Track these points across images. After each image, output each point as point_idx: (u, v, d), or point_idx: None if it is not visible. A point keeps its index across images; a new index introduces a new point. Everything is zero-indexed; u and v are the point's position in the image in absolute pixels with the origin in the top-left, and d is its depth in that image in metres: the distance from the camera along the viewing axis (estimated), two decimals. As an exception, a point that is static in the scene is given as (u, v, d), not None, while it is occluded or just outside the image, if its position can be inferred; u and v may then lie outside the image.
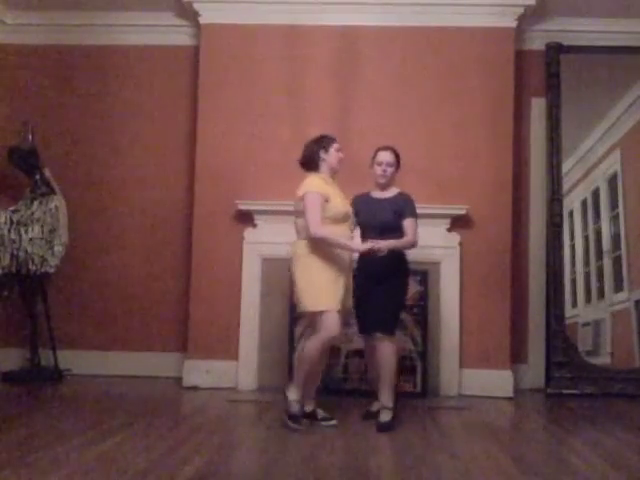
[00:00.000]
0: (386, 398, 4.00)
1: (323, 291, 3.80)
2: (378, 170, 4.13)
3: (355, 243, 4.02)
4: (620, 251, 5.43)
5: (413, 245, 4.10)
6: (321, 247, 3.83)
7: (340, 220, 3.90)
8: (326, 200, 3.84)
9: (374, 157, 4.17)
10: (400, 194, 4.17)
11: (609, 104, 5.54)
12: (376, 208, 4.12)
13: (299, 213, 3.92)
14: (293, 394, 3.91)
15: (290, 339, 5.05)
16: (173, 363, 5.46)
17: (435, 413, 4.48)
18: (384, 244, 3.89)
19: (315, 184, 3.89)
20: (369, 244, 3.88)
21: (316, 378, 4.02)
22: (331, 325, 3.77)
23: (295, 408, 3.88)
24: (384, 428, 3.84)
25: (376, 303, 4.02)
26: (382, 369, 4.03)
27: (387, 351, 4.00)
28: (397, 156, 4.17)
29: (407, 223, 4.07)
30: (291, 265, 3.95)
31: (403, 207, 4.09)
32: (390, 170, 4.12)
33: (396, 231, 4.04)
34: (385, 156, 4.13)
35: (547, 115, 5.51)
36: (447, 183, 5.26)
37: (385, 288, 4.04)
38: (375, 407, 4.11)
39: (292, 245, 3.98)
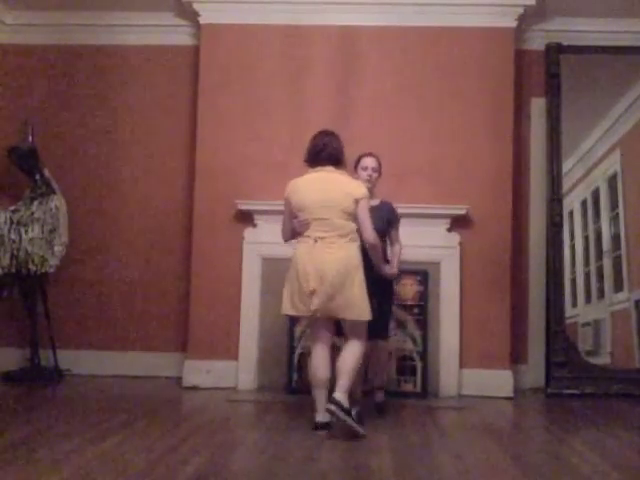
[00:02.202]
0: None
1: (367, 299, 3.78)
2: (364, 175, 4.22)
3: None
4: (620, 251, 5.43)
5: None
6: (361, 255, 3.78)
7: None
8: None
9: (358, 163, 4.27)
10: (384, 203, 4.31)
11: (609, 104, 5.54)
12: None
13: (347, 214, 3.75)
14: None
15: (290, 339, 5.05)
16: (173, 363, 5.46)
17: (435, 413, 4.48)
18: (395, 268, 4.23)
19: (366, 189, 3.86)
20: (393, 270, 4.18)
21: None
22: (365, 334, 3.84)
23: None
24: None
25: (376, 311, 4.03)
26: (376, 371, 4.43)
27: (384, 354, 4.44)
28: (379, 163, 4.30)
29: (395, 233, 4.32)
30: (339, 266, 3.66)
31: (391, 216, 4.29)
32: (375, 175, 4.25)
33: (384, 238, 4.24)
34: (370, 162, 4.25)
35: (547, 115, 5.51)
36: (447, 183, 5.26)
37: (377, 295, 4.02)
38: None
39: (336, 247, 3.70)
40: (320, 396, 3.76)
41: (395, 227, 4.32)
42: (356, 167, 4.26)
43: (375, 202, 4.21)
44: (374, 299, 3.86)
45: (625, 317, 5.40)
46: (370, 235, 3.74)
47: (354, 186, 3.79)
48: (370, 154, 4.28)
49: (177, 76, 5.73)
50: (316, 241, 3.71)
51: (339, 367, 3.71)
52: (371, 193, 4.10)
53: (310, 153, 3.86)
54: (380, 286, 4.08)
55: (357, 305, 3.70)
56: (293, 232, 3.87)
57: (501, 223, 5.24)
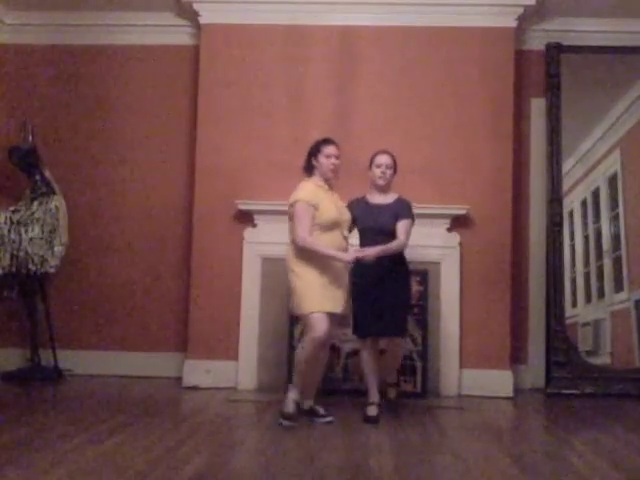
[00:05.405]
0: (375, 393, 4.21)
1: (308, 294, 3.92)
2: (377, 172, 4.23)
3: (340, 253, 3.97)
4: (620, 251, 5.43)
5: (403, 247, 4.15)
6: (308, 252, 3.95)
7: (329, 227, 3.98)
8: (315, 208, 3.94)
9: (372, 161, 4.28)
10: (399, 200, 4.27)
11: (609, 104, 5.54)
12: (377, 213, 4.18)
13: (291, 218, 4.05)
14: (292, 393, 4.02)
15: (290, 339, 5.05)
16: (173, 363, 5.46)
17: (435, 413, 4.48)
18: (370, 252, 3.97)
19: (306, 191, 4.00)
20: (353, 253, 3.98)
21: (315, 377, 4.12)
22: (317, 326, 3.86)
23: (289, 407, 3.97)
24: (373, 420, 4.02)
25: (387, 307, 4.11)
26: (390, 367, 4.41)
27: (400, 351, 4.38)
28: (394, 161, 4.29)
29: (400, 224, 4.14)
30: (286, 267, 4.07)
31: (401, 210, 4.18)
32: (389, 172, 4.24)
33: (393, 236, 4.14)
34: (385, 159, 4.25)
35: (547, 115, 5.51)
36: (447, 183, 5.26)
37: (392, 291, 4.13)
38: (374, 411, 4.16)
39: (287, 248, 4.10)
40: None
41: (402, 220, 4.12)
42: (370, 165, 4.29)
43: (390, 199, 4.24)
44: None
45: (625, 317, 5.40)
46: (297, 238, 3.94)
47: (295, 192, 4.05)
48: (384, 151, 4.29)
49: (177, 76, 5.73)
50: None
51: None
52: (386, 191, 4.25)
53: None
54: (395, 280, 4.12)
55: (291, 300, 4.11)
56: None
57: (501, 223, 5.24)
